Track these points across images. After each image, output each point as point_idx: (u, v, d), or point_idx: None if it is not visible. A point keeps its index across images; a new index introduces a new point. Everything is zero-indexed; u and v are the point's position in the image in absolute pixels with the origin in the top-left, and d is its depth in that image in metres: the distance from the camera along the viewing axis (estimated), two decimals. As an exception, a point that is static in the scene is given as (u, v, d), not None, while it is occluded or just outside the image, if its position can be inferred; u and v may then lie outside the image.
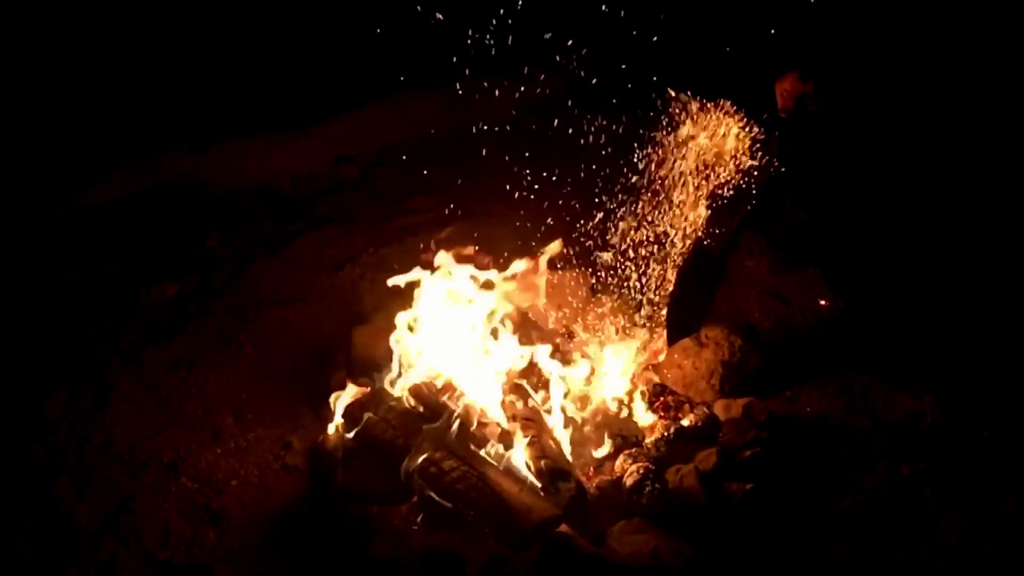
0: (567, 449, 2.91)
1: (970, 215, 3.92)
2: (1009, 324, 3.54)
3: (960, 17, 3.48)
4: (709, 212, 3.31)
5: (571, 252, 3.98)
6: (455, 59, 4.36)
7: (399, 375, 3.11)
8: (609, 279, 3.79)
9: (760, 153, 3.15)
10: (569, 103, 4.36)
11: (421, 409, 2.92)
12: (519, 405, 2.98)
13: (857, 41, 3.43)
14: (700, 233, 3.36)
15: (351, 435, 2.88)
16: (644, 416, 3.16)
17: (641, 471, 2.76)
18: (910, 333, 3.57)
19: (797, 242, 3.96)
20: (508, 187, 4.25)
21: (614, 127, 4.11)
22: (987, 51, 3.53)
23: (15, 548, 2.59)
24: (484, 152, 4.38)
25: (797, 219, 3.82)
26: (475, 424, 2.89)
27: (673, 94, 3.03)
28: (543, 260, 3.39)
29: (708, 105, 3.15)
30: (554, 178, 4.30)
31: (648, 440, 2.98)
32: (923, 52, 3.44)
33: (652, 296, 3.66)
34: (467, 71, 4.40)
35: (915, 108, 3.50)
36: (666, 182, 3.32)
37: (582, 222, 4.01)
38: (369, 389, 3.06)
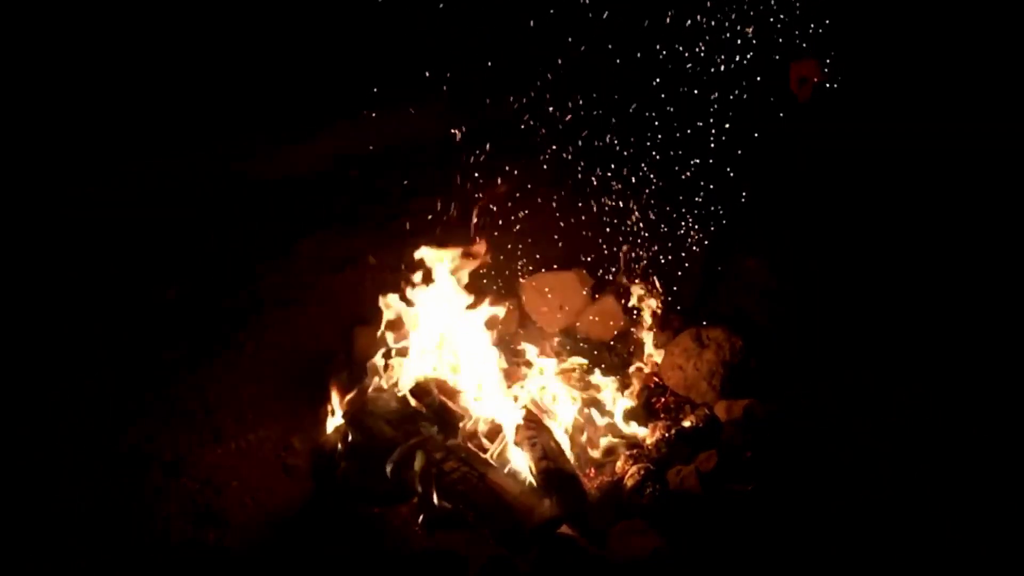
0: (568, 450, 2.91)
1: (972, 216, 3.92)
2: (1009, 324, 3.54)
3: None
4: None
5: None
6: (455, 65, 4.40)
7: (400, 375, 3.11)
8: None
9: None
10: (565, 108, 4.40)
11: (422, 409, 2.92)
12: (520, 405, 2.98)
13: (872, 25, 3.40)
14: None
15: (351, 436, 2.88)
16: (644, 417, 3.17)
17: (642, 472, 2.76)
18: (912, 331, 3.57)
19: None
20: (508, 186, 4.26)
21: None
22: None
23: (16, 548, 2.59)
24: (484, 153, 4.39)
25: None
26: (477, 424, 2.89)
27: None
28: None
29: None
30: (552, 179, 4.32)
31: (649, 441, 2.98)
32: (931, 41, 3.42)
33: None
34: (466, 76, 4.44)
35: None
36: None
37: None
38: (370, 389, 3.05)
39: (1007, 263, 3.76)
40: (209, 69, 5.93)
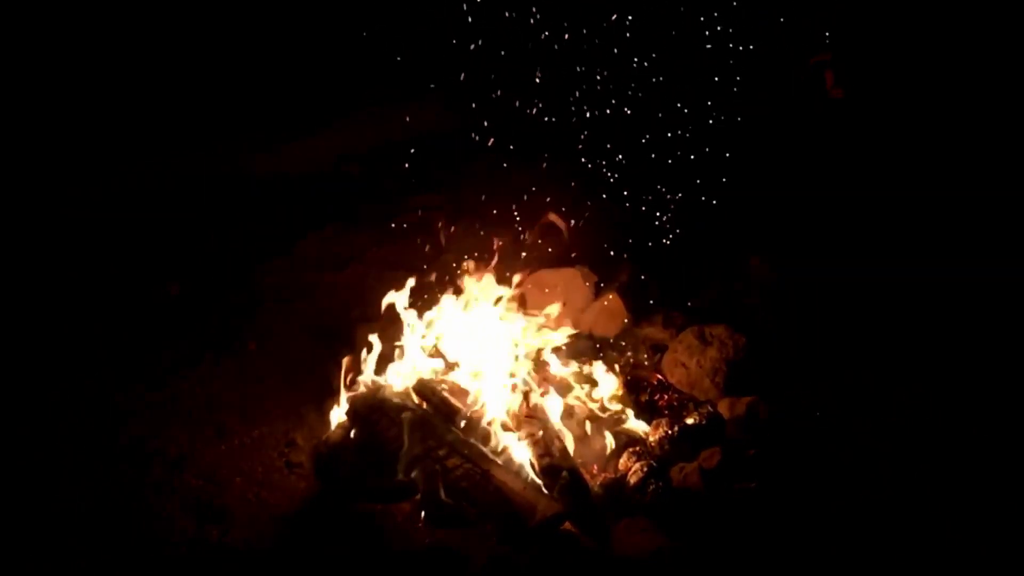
0: (571, 447, 2.91)
1: (971, 216, 3.95)
2: (1009, 324, 3.56)
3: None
4: None
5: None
6: (455, 65, 4.43)
7: (404, 372, 3.12)
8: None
9: None
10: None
11: (425, 406, 2.92)
12: (523, 402, 2.98)
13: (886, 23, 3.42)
14: None
15: (354, 432, 2.88)
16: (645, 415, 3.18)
17: (645, 469, 2.76)
18: (912, 331, 3.59)
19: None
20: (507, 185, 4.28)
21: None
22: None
23: (16, 548, 2.58)
24: (483, 152, 4.41)
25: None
26: (479, 421, 2.89)
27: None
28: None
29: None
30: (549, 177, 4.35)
31: (652, 438, 2.98)
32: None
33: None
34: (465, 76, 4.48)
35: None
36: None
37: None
38: (373, 387, 3.06)
39: (1006, 263, 3.78)
40: (209, 69, 5.94)
